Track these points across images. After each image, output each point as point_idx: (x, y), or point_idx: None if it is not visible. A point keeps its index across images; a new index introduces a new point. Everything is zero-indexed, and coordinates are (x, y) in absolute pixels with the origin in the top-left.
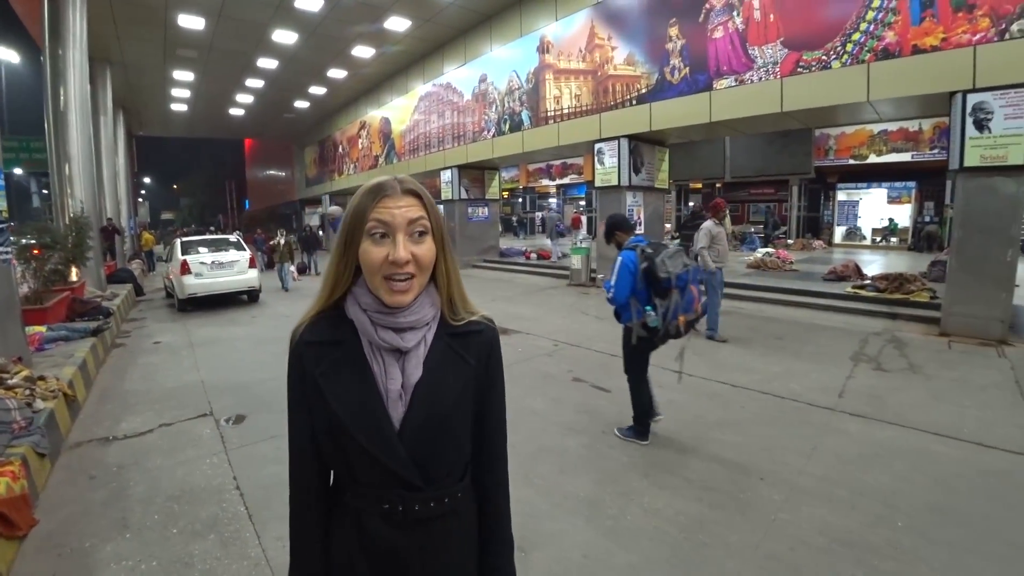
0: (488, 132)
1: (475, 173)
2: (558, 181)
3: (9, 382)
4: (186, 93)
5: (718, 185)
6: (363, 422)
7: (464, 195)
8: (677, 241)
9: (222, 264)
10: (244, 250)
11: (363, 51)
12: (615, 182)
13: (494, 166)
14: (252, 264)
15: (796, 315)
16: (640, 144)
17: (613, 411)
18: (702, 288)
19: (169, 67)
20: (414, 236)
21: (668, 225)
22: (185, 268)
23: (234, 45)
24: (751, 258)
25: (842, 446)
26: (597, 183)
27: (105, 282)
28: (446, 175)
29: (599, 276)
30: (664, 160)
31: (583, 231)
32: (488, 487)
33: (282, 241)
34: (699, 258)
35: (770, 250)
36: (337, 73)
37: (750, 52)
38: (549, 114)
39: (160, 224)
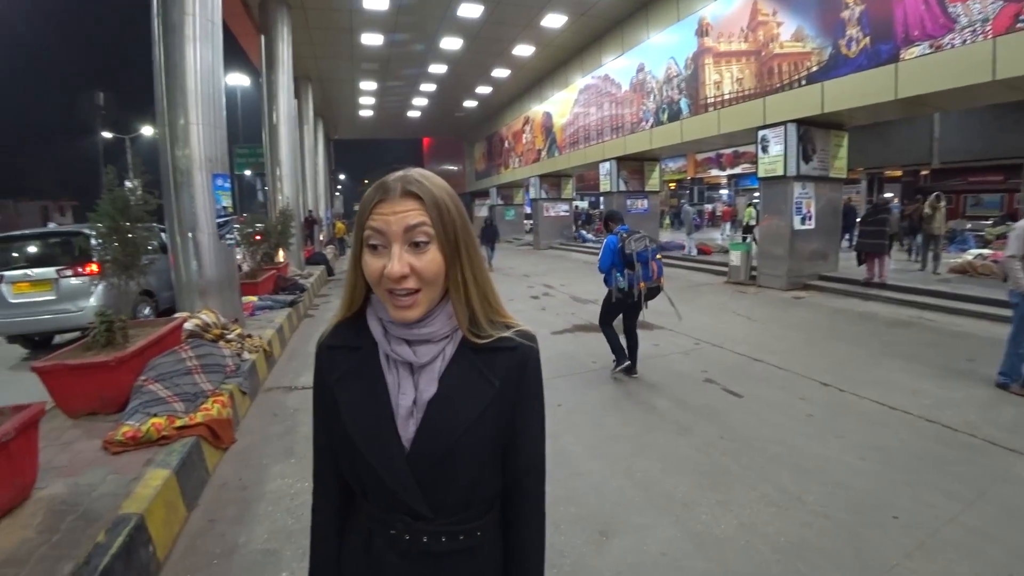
0: (646, 123)
1: (634, 165)
2: (728, 171)
3: (228, 337)
4: (371, 100)
5: (924, 172)
6: (371, 438)
7: (622, 187)
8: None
9: None
10: None
11: (523, 50)
12: (781, 172)
13: (653, 157)
14: None
15: (999, 332)
16: (811, 129)
17: (737, 417)
18: (662, 262)
19: (356, 79)
20: (412, 246)
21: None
22: None
23: (408, 55)
24: (958, 261)
25: (1018, 498)
26: (761, 173)
27: (304, 263)
28: (604, 167)
29: (761, 274)
30: (842, 146)
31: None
32: (515, 530)
33: None
34: (1008, 274)
35: (985, 251)
36: (500, 72)
37: (950, 10)
38: (708, 101)
39: (352, 215)
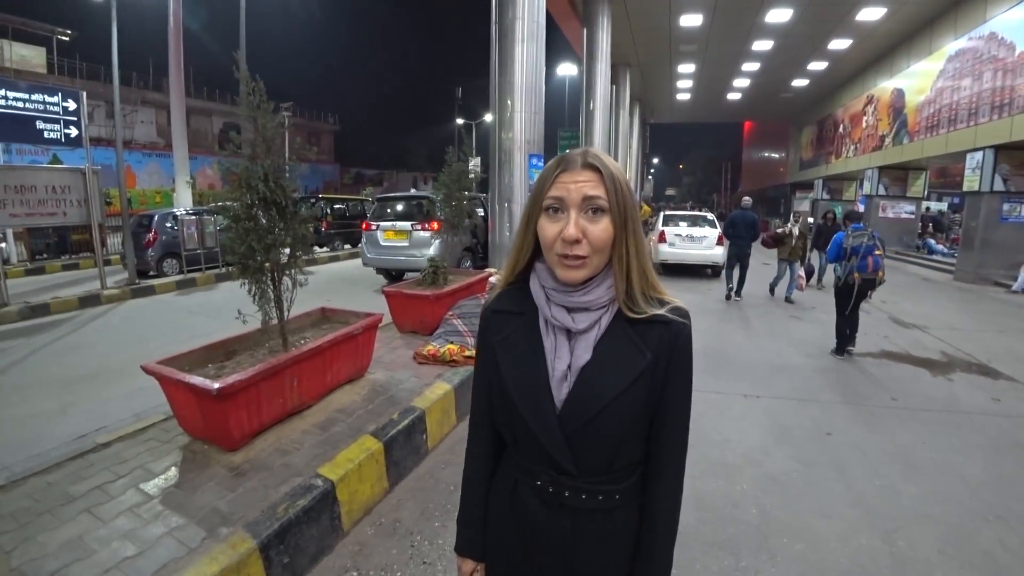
0: None
1: (1022, 156)
2: None
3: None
4: (688, 83)
5: None
6: (527, 395)
7: (1000, 186)
8: None
9: (693, 238)
10: (716, 228)
11: (871, 13)
12: None
13: None
14: (720, 241)
15: None
16: None
17: None
18: (880, 258)
19: (674, 62)
20: (588, 214)
21: None
22: (662, 237)
23: (729, 33)
24: None
25: None
26: None
27: None
28: (974, 158)
29: None
30: None
31: None
32: (652, 499)
33: (794, 231)
34: None
35: None
36: (839, 44)
37: None
38: None
39: (664, 198)
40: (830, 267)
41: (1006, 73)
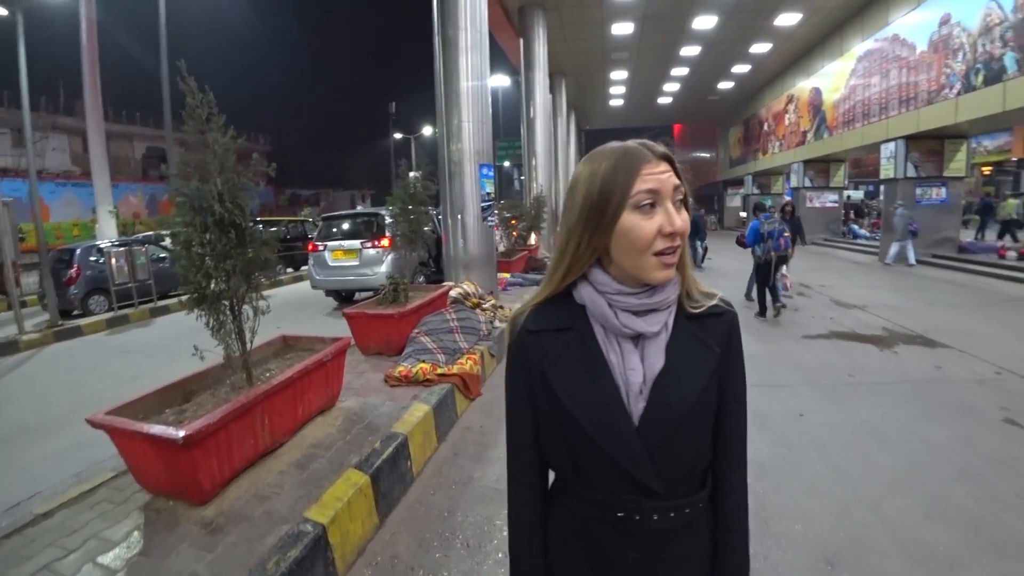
0: (950, 89)
1: (930, 144)
2: None
3: (484, 306)
4: (621, 90)
5: None
6: (599, 419)
7: (912, 172)
8: None
9: None
10: None
11: (788, 18)
12: None
13: (960, 133)
14: None
15: None
16: None
17: None
18: (786, 236)
19: (607, 70)
20: (676, 204)
21: None
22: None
23: (659, 40)
24: None
25: None
26: None
27: (553, 247)
28: (888, 149)
29: None
30: None
31: None
32: (725, 496)
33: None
34: None
35: None
36: (761, 47)
37: None
38: None
39: None
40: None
41: (910, 70)
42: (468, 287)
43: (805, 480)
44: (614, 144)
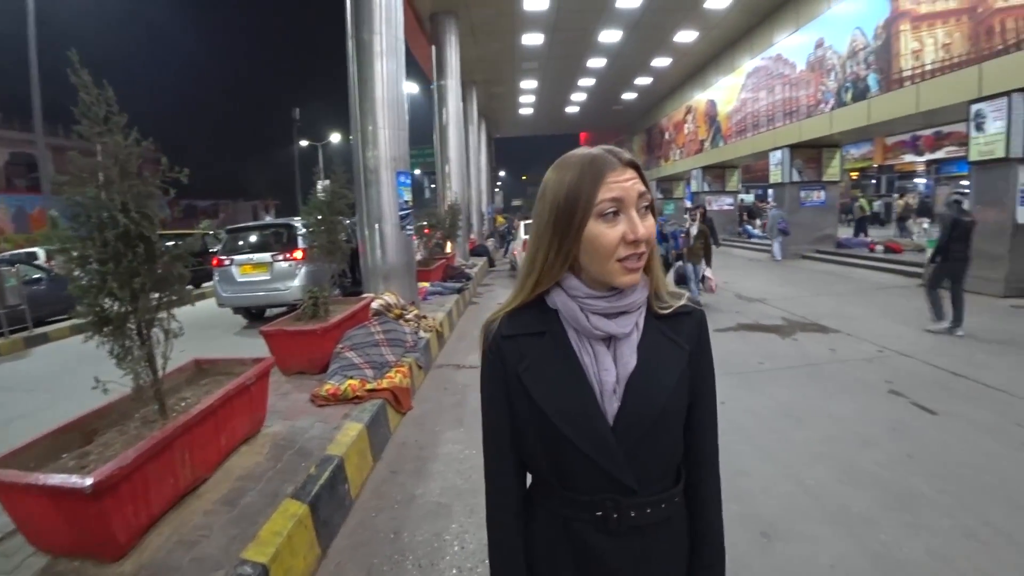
0: (825, 104)
1: (810, 152)
2: (928, 156)
3: (406, 317)
4: (531, 99)
5: None
6: (575, 420)
7: (796, 177)
8: None
9: None
10: None
11: (685, 35)
12: (1002, 154)
13: (833, 143)
14: None
15: None
16: None
17: (932, 437)
18: (682, 236)
19: (517, 79)
20: (641, 211)
21: None
22: (526, 246)
23: (567, 51)
24: None
25: None
26: (973, 156)
27: (468, 255)
28: (775, 156)
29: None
30: None
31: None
32: (700, 489)
33: (692, 230)
34: None
35: None
36: (661, 61)
37: None
38: (905, 74)
39: (511, 209)
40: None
41: (792, 86)
42: (390, 298)
43: (734, 461)
44: (581, 151)
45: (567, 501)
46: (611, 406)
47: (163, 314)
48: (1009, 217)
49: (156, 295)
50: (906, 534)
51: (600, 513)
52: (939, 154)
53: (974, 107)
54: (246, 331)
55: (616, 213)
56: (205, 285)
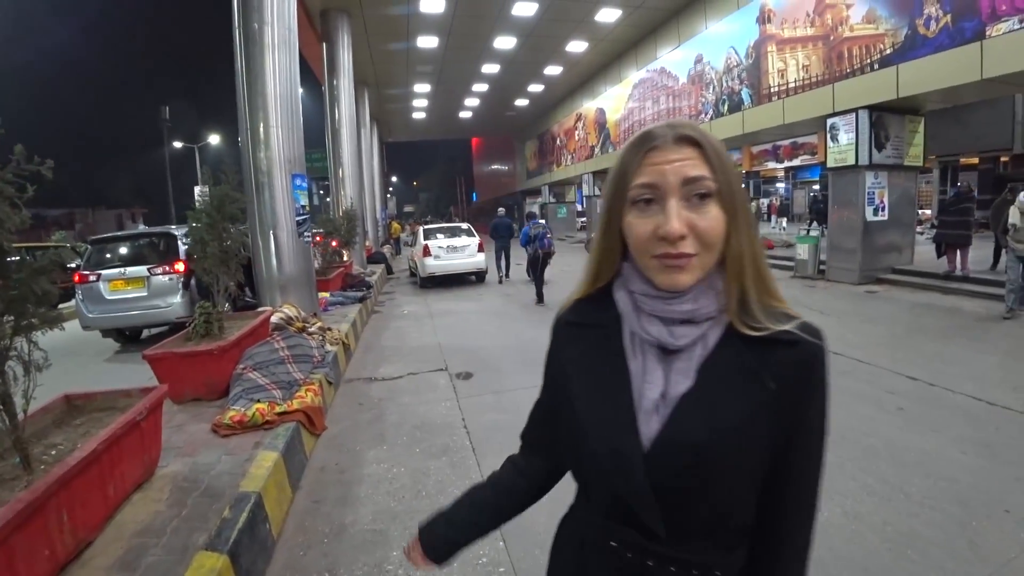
0: (705, 115)
1: None
2: (787, 163)
3: (310, 330)
4: (424, 103)
5: (1004, 159)
6: (603, 431)
7: None
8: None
9: (456, 248)
10: (474, 236)
11: (577, 46)
12: (851, 161)
13: None
14: (480, 249)
15: None
16: (884, 115)
17: None
18: (551, 240)
19: (411, 82)
20: (693, 201)
21: (926, 211)
22: (427, 251)
23: (462, 56)
24: None
25: None
26: (830, 163)
27: (366, 262)
28: None
29: (830, 268)
30: (918, 132)
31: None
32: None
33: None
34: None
35: None
36: (553, 70)
37: None
38: (772, 90)
39: (403, 215)
40: None
41: (675, 97)
42: (290, 311)
43: None
44: (646, 127)
45: (585, 521)
46: (649, 427)
47: (20, 341)
48: (859, 216)
49: (10, 318)
50: (822, 500)
51: (615, 544)
52: (796, 162)
53: (829, 121)
54: (119, 356)
55: (649, 201)
56: (63, 306)
